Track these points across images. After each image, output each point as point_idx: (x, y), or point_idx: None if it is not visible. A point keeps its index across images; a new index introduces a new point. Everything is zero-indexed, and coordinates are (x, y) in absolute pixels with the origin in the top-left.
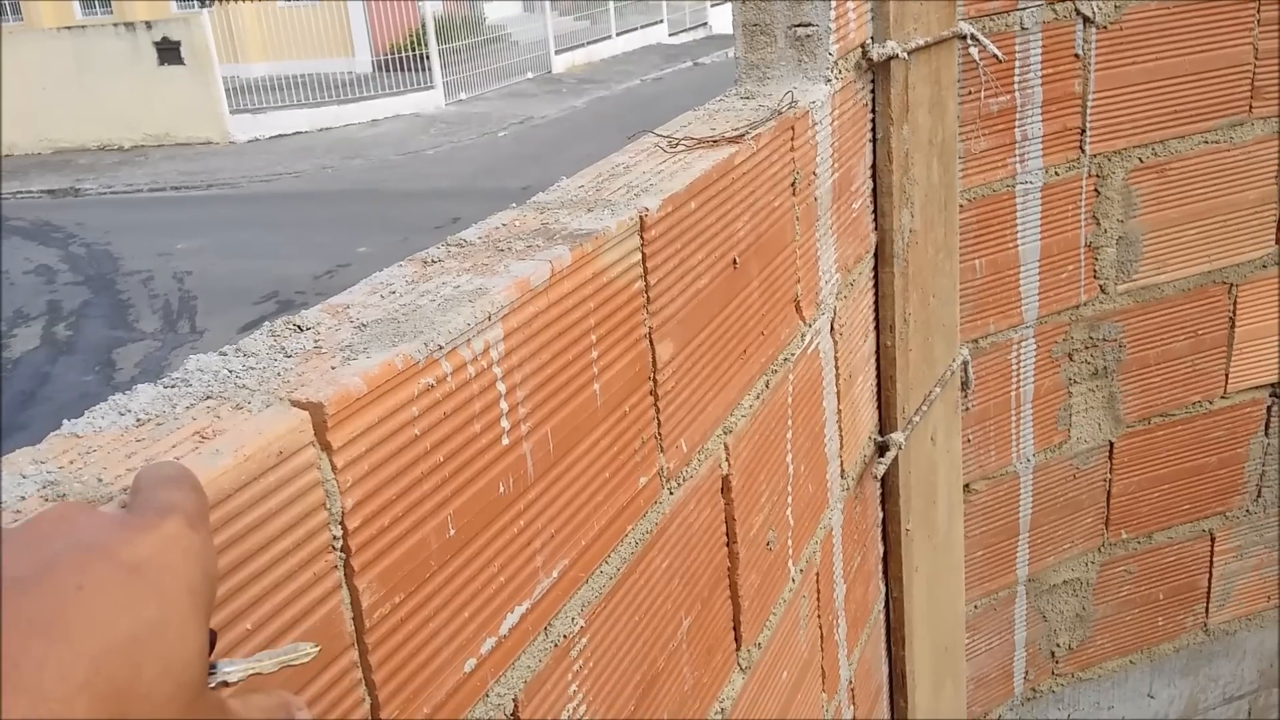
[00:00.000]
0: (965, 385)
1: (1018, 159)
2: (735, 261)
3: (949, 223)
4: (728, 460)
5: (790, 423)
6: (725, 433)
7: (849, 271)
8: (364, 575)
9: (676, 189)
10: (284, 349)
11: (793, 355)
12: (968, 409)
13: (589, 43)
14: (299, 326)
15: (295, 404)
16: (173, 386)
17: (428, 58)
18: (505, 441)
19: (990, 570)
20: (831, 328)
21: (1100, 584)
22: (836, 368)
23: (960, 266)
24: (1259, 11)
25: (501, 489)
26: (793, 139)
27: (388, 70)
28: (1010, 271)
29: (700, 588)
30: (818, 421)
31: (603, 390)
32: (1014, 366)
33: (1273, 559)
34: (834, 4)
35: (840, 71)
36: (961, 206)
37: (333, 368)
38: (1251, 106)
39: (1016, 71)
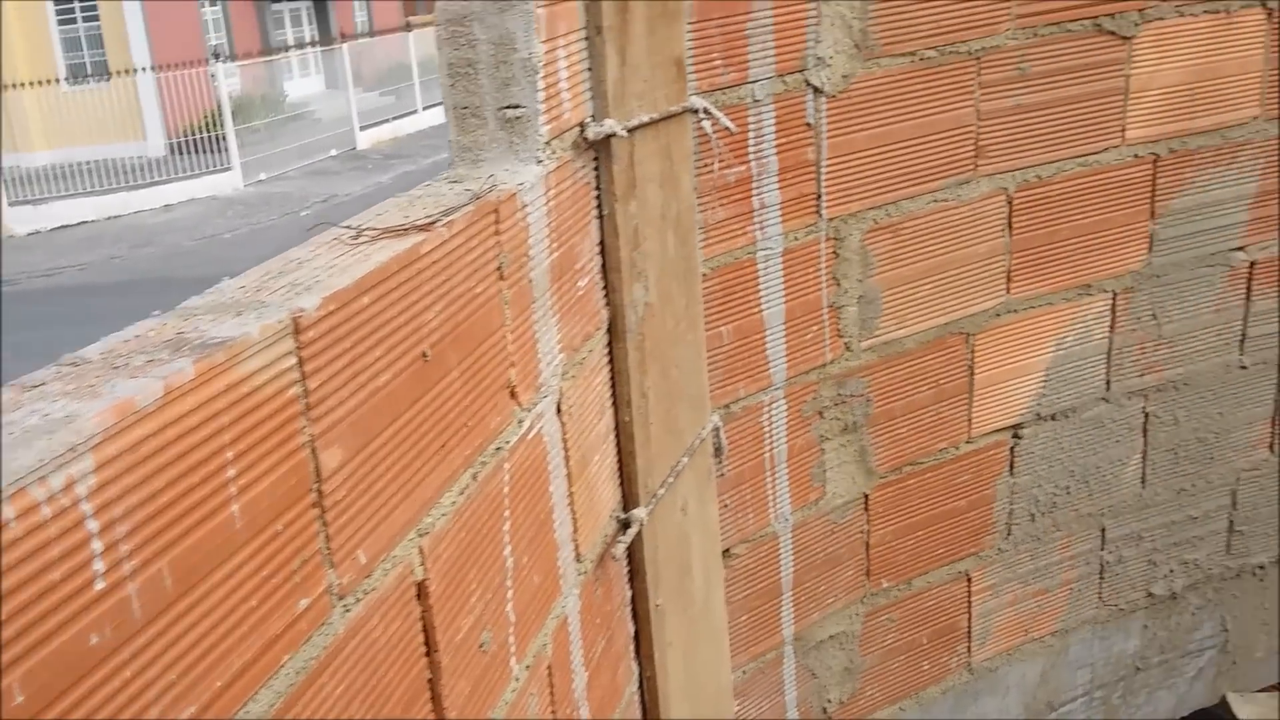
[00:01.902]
0: (719, 451)
1: (757, 226)
2: (425, 354)
3: (690, 293)
4: (424, 565)
5: (508, 514)
6: (420, 535)
7: (576, 350)
8: None
9: (344, 285)
10: None
11: (508, 443)
12: (723, 474)
13: (394, 118)
14: None
15: None
16: None
17: (224, 138)
18: (100, 585)
19: (756, 634)
20: (558, 409)
21: (865, 634)
22: (566, 449)
23: (707, 334)
24: (979, 75)
25: (94, 640)
26: (497, 222)
27: (183, 153)
28: (756, 336)
29: (393, 706)
30: (544, 508)
31: (244, 511)
32: (766, 428)
33: (1027, 594)
34: (543, 86)
35: (555, 152)
36: (705, 275)
37: None
38: (977, 165)
39: (751, 142)
